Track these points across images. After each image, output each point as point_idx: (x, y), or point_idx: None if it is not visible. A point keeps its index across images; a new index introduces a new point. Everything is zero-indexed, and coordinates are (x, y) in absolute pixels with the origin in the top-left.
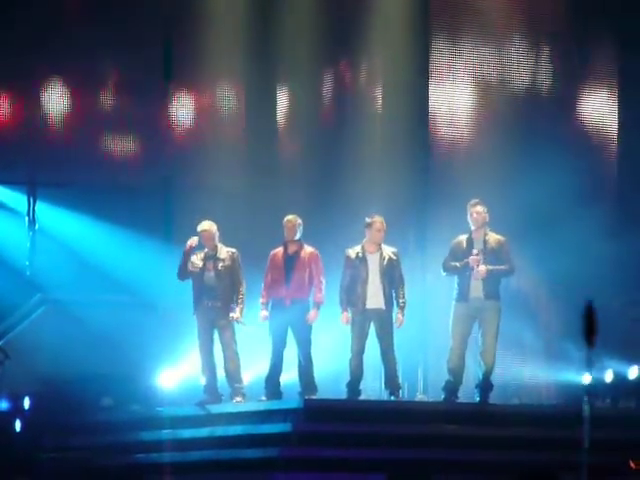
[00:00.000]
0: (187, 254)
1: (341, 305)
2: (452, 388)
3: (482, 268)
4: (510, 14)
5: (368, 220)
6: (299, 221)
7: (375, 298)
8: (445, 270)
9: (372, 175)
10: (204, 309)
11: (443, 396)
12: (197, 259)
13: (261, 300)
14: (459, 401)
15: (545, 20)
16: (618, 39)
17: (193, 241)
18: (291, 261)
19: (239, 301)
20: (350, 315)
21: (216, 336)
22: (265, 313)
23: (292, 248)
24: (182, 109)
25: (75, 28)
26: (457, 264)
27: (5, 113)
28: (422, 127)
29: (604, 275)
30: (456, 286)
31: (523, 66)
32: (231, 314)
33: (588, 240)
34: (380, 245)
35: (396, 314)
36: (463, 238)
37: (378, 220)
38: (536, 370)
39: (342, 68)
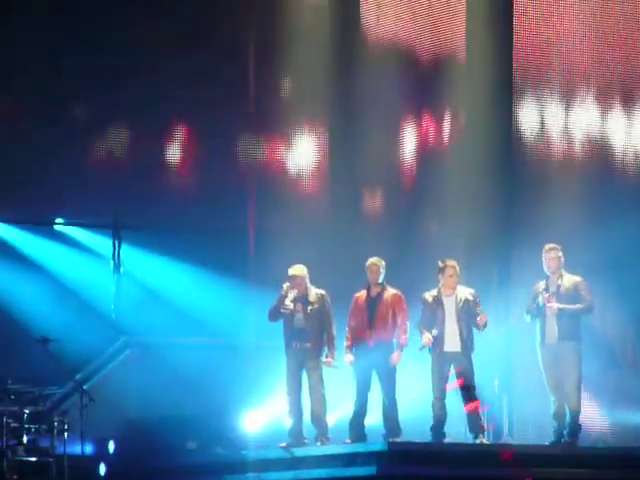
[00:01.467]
0: (282, 298)
1: (421, 332)
2: (558, 432)
3: (554, 305)
4: (589, 75)
5: (441, 265)
6: (382, 264)
7: (452, 341)
8: (528, 312)
9: (455, 215)
10: (293, 351)
11: (552, 439)
12: (288, 301)
13: (346, 343)
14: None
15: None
16: None
17: (288, 285)
18: (374, 303)
19: (331, 345)
20: (431, 337)
21: (304, 378)
22: (351, 357)
23: (375, 290)
24: (267, 153)
25: (153, 67)
26: (532, 306)
27: (93, 158)
28: (505, 167)
29: None
30: (537, 332)
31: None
32: (324, 360)
33: None
34: (455, 288)
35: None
36: (541, 283)
37: (450, 265)
38: (623, 413)
39: (424, 118)
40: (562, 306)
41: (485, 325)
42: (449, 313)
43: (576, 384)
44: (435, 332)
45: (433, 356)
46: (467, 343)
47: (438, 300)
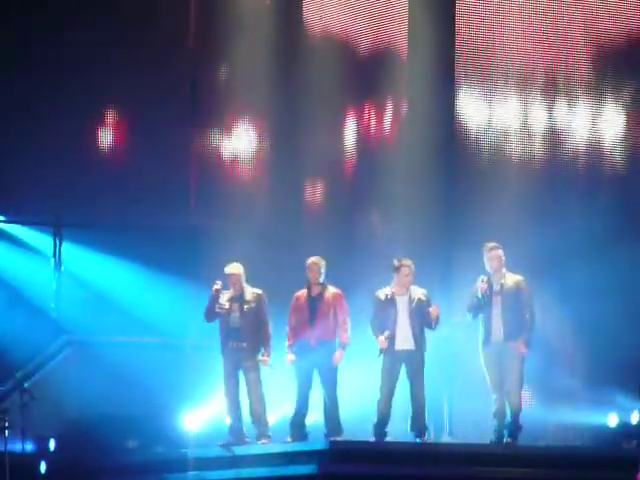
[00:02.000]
0: (214, 297)
1: (375, 334)
2: (498, 432)
3: (521, 349)
4: (532, 68)
5: (396, 264)
6: (323, 263)
7: (405, 340)
8: (469, 311)
9: (397, 212)
10: (230, 350)
11: (493, 438)
12: (224, 300)
13: (287, 343)
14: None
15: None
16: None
17: (219, 284)
18: (315, 303)
19: (267, 344)
20: (385, 340)
21: (241, 377)
22: (292, 357)
23: (316, 290)
24: (208, 150)
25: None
26: (473, 302)
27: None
28: (448, 164)
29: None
30: (481, 331)
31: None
32: (260, 358)
33: (614, 278)
34: (409, 287)
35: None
36: (482, 277)
37: (405, 264)
38: (563, 412)
39: (365, 110)
40: (524, 350)
41: (438, 318)
42: (402, 312)
43: (518, 383)
44: (388, 333)
45: (385, 354)
46: (420, 342)
47: (391, 299)
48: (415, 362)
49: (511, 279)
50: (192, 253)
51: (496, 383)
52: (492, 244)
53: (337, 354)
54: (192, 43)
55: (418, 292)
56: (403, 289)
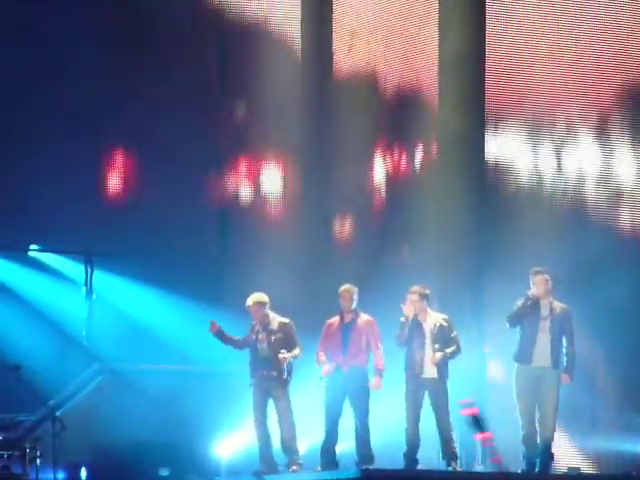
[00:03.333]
0: (219, 337)
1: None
2: (528, 457)
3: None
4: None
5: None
6: (355, 290)
7: (429, 367)
8: (508, 320)
9: (426, 243)
10: (259, 379)
11: (524, 467)
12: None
13: (320, 358)
14: (519, 471)
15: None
16: None
17: (213, 326)
18: (348, 329)
19: (292, 353)
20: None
21: (271, 405)
22: (327, 367)
23: (348, 317)
24: (237, 186)
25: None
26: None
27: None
28: (478, 189)
29: None
30: (517, 346)
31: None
32: (280, 355)
33: None
34: (426, 313)
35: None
36: (530, 296)
37: (412, 291)
38: (598, 439)
39: (395, 150)
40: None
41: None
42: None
43: (554, 411)
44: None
45: (408, 382)
46: (442, 370)
47: (414, 323)
48: (438, 390)
49: (559, 306)
50: (221, 283)
51: (527, 408)
52: (538, 268)
53: (375, 380)
54: (220, 84)
55: (438, 318)
56: (423, 315)
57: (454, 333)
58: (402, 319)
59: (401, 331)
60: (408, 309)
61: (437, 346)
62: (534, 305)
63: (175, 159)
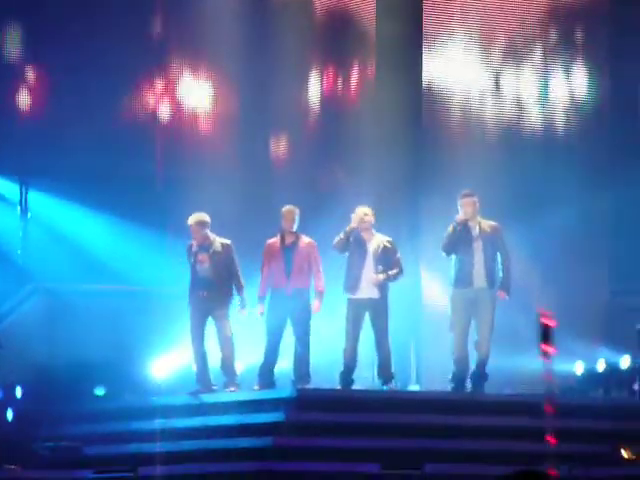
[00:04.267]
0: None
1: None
2: (459, 378)
3: None
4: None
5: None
6: (297, 211)
7: (369, 287)
8: (443, 249)
9: (364, 164)
10: (199, 300)
11: (451, 387)
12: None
13: (259, 294)
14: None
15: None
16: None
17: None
18: (290, 251)
19: (241, 294)
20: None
21: (209, 325)
22: (262, 308)
23: (290, 238)
24: (180, 98)
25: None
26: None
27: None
28: (415, 111)
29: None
30: (455, 272)
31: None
32: (239, 310)
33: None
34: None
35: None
36: (459, 221)
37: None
38: (528, 359)
39: (331, 70)
40: (506, 297)
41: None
42: (368, 258)
43: (490, 331)
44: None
45: (348, 302)
46: (383, 291)
47: (357, 239)
48: (379, 310)
49: (487, 225)
50: (158, 203)
51: (462, 329)
52: (466, 191)
53: (316, 303)
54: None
55: (383, 239)
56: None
57: (398, 255)
58: (346, 228)
59: (341, 237)
60: (355, 219)
61: (380, 267)
62: (464, 228)
63: (108, 72)
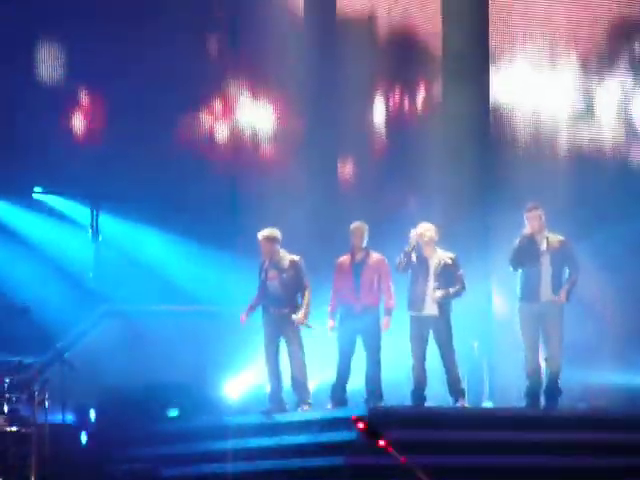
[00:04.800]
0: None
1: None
2: (533, 393)
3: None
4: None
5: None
6: (366, 227)
7: (430, 304)
8: (511, 262)
9: (430, 181)
10: (271, 317)
11: (525, 402)
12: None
13: (330, 309)
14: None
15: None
16: None
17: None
18: (359, 268)
19: (304, 304)
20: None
21: (282, 344)
22: (332, 323)
23: (359, 255)
24: (245, 119)
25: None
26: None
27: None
28: (483, 127)
29: None
30: (521, 286)
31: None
32: (294, 316)
33: None
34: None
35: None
36: (526, 235)
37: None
38: (603, 374)
39: (398, 90)
40: (564, 299)
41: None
42: (431, 275)
43: (560, 344)
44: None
45: (411, 319)
46: (443, 307)
47: (420, 258)
48: (440, 327)
49: (555, 239)
50: (228, 223)
51: (532, 343)
52: (531, 204)
53: (385, 320)
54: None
55: (444, 256)
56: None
57: (460, 272)
58: (406, 248)
59: (402, 258)
60: (413, 237)
61: (437, 284)
62: (530, 242)
63: (181, 97)
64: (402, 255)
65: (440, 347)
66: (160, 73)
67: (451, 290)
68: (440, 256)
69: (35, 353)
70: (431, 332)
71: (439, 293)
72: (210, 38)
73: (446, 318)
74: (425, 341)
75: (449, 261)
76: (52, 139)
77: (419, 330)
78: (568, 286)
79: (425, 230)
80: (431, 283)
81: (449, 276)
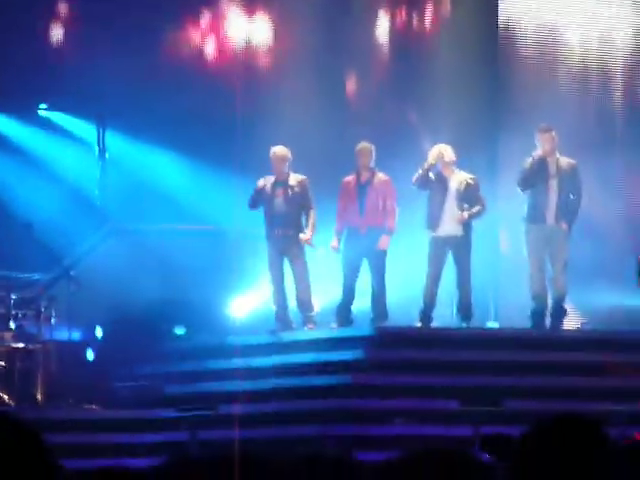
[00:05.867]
0: (257, 192)
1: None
2: (538, 314)
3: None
4: None
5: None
6: (373, 148)
7: (452, 224)
8: (519, 184)
9: (439, 102)
10: (275, 237)
11: (531, 323)
12: (268, 185)
13: (336, 228)
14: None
15: None
16: None
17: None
18: (364, 189)
19: (309, 224)
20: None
21: (287, 263)
22: (336, 243)
23: (365, 176)
24: (251, 35)
25: None
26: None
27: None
28: (492, 47)
29: None
30: (528, 207)
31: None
32: (301, 235)
33: None
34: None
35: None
36: (537, 157)
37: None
38: (606, 294)
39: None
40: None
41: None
42: (450, 195)
43: (564, 267)
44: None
45: (432, 239)
46: (467, 228)
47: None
48: (462, 248)
49: (565, 162)
50: (235, 141)
51: (538, 265)
52: (544, 126)
53: (383, 239)
54: None
55: (466, 177)
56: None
57: (480, 192)
58: (425, 164)
59: (419, 173)
60: (433, 155)
61: (466, 205)
62: (541, 164)
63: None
64: (420, 171)
65: (459, 267)
66: None
67: (474, 210)
68: (460, 177)
69: (41, 270)
70: (450, 252)
71: (466, 214)
72: None
73: (468, 238)
74: (443, 262)
75: (471, 182)
76: (51, 56)
77: (440, 250)
78: (571, 215)
79: (445, 150)
80: (451, 203)
81: (470, 197)
